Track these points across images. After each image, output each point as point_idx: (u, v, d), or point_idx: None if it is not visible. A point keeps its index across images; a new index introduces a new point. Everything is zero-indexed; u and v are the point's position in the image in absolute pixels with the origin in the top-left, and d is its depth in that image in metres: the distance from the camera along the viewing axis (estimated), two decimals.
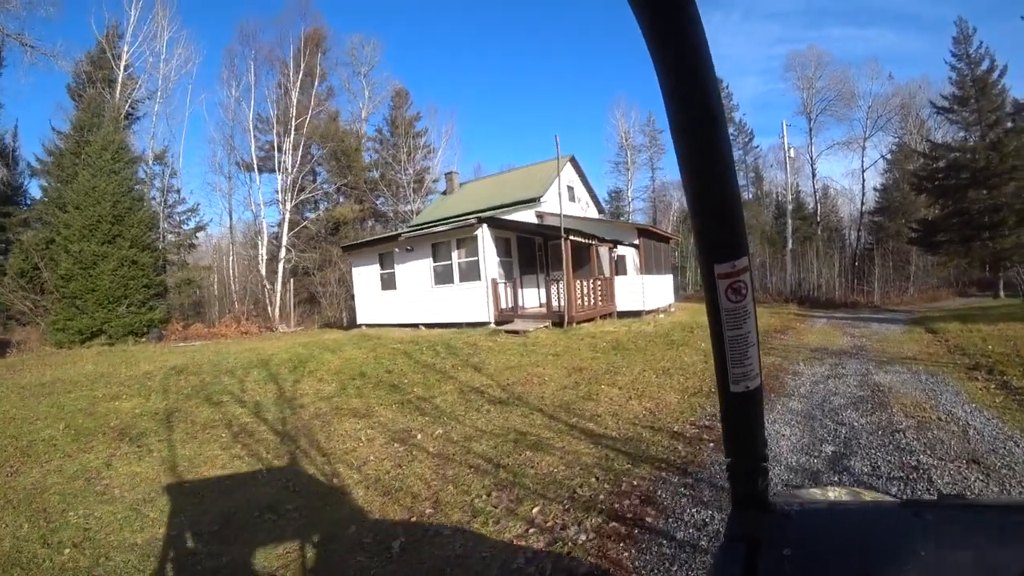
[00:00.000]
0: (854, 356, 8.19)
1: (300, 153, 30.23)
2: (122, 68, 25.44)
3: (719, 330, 0.64)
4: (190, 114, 28.82)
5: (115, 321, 19.09)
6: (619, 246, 15.46)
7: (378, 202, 35.78)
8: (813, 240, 34.56)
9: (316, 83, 39.20)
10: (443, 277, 15.56)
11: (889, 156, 35.56)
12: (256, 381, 8.04)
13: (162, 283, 21.79)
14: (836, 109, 35.57)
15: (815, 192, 37.01)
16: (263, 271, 26.91)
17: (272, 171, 34.43)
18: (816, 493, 1.02)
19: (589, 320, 13.41)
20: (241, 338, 19.16)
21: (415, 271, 16.51)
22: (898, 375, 6.71)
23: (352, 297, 19.85)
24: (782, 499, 0.77)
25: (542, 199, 17.46)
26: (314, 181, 36.95)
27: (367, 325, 17.91)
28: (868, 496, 1.04)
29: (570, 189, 19.78)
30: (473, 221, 13.95)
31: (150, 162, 25.66)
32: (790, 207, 30.84)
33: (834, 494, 0.96)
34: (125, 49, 25.52)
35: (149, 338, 18.80)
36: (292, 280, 25.78)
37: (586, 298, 13.80)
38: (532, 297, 15.43)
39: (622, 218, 38.63)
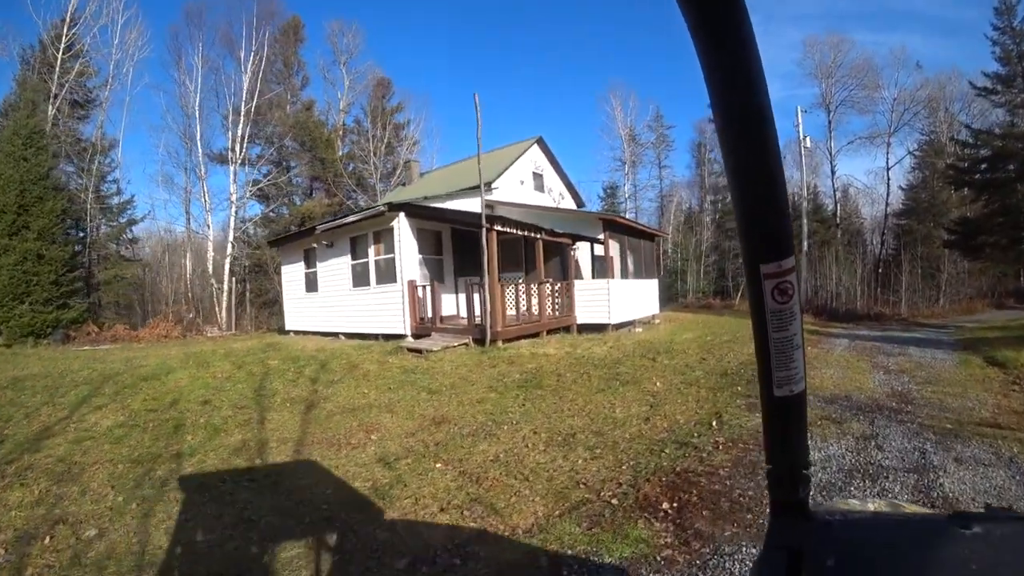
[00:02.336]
0: (895, 416, 4.82)
1: (247, 143, 27.67)
2: (60, 51, 23.01)
3: (764, 332, 0.62)
4: (133, 100, 26.26)
5: (13, 321, 16.73)
6: (578, 242, 12.22)
7: (353, 195, 32.98)
8: (832, 244, 30.87)
9: (293, 73, 37.28)
10: (361, 278, 12.64)
11: (917, 152, 31.81)
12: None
13: (76, 280, 19.27)
14: (858, 101, 31.86)
15: (834, 191, 33.29)
16: (210, 270, 24.30)
17: (243, 165, 32.19)
18: (855, 504, 0.86)
19: (530, 336, 10.23)
20: (157, 342, 16.71)
21: (335, 270, 13.66)
22: (987, 472, 3.43)
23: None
24: (823, 509, 0.73)
25: (493, 185, 14.32)
26: (287, 174, 34.53)
27: (296, 332, 15.38)
28: (910, 509, 0.94)
29: (537, 176, 16.60)
30: (383, 209, 10.90)
31: (98, 151, 23.06)
32: (805, 205, 27.19)
33: (874, 506, 0.84)
34: (64, 31, 23.09)
35: (52, 340, 16.49)
36: (233, 280, 23.08)
37: (527, 308, 10.64)
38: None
39: (631, 220, 35.18)
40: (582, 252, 14.26)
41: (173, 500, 3.76)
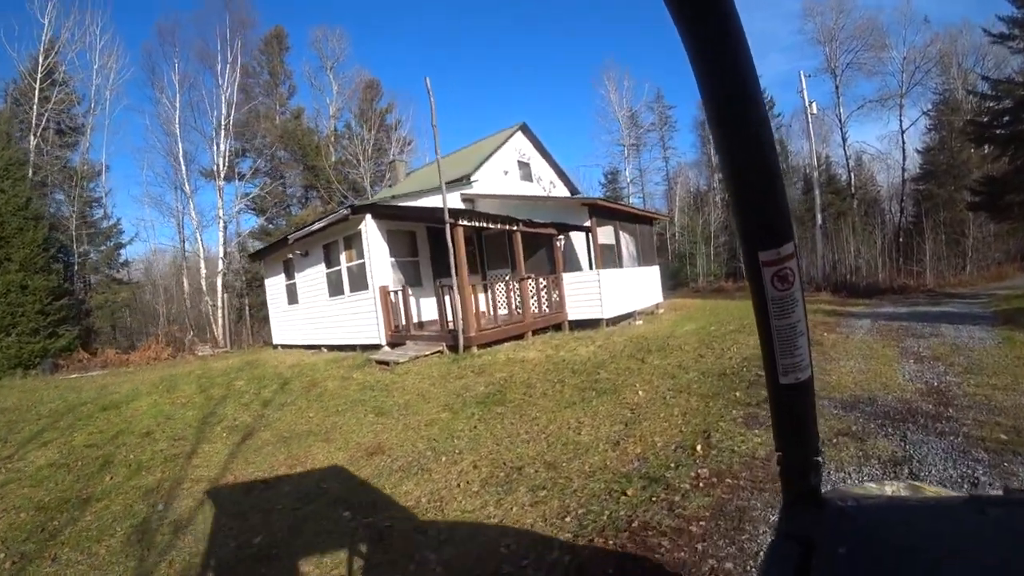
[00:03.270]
0: (933, 425, 3.68)
1: (237, 156, 27.01)
2: (38, 80, 22.69)
3: (766, 320, 0.61)
4: (116, 123, 25.65)
5: (0, 353, 16.35)
6: (569, 232, 11.21)
7: (347, 201, 32.31)
8: (848, 215, 29.24)
9: (280, 83, 36.69)
10: (336, 287, 11.91)
11: (932, 112, 29.99)
12: None
13: (64, 308, 18.90)
14: (865, 63, 30.08)
15: (847, 160, 31.58)
16: (204, 287, 23.85)
17: (230, 179, 31.70)
18: (872, 488, 0.85)
19: (512, 338, 9.29)
20: (146, 365, 16.30)
21: (312, 281, 12.96)
22: None
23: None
24: (836, 495, 0.72)
25: (472, 178, 13.34)
26: (281, 185, 34.16)
27: (283, 346, 14.80)
28: (930, 491, 0.90)
29: (523, 165, 15.57)
30: (346, 212, 10.07)
31: (81, 177, 22.70)
32: (817, 176, 25.66)
33: (891, 489, 0.82)
34: (40, 60, 22.78)
35: (41, 370, 16.14)
36: (225, 296, 22.54)
37: (507, 308, 9.71)
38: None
39: (622, 203, 33.83)
40: (578, 242, 13.27)
41: (47, 558, 3.27)
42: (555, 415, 4.89)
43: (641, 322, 11.95)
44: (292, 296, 14.32)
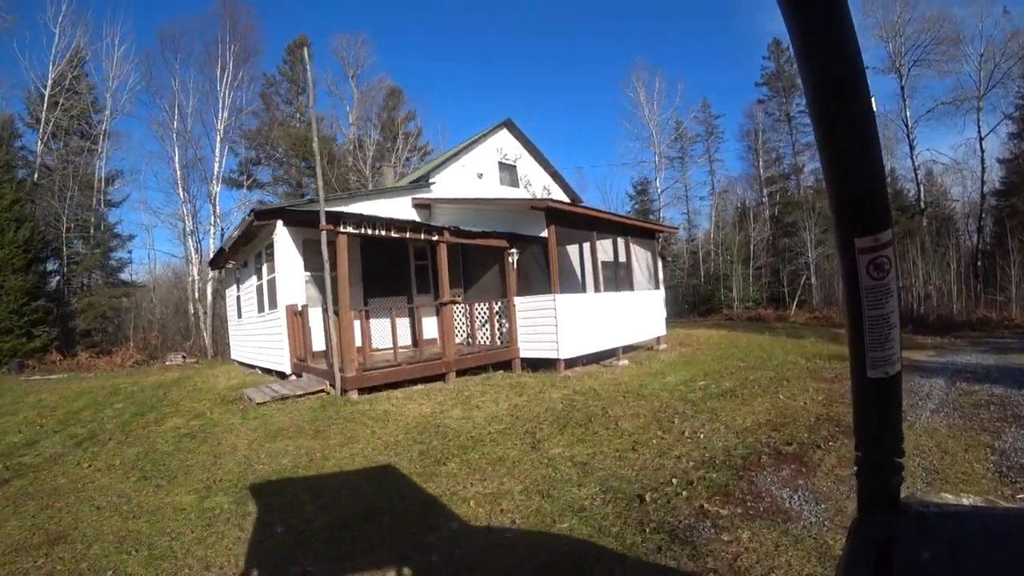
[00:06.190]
0: None
1: (256, 165, 26.15)
2: (48, 86, 22.76)
3: (858, 310, 0.60)
4: (121, 129, 25.34)
5: None
6: (519, 243, 8.77)
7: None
8: (916, 235, 25.07)
9: (301, 91, 36.23)
10: (261, 303, 10.22)
11: (1016, 115, 25.65)
12: None
13: (41, 309, 18.41)
14: (935, 61, 26.06)
15: (915, 171, 27.39)
16: (195, 295, 22.99)
17: (242, 187, 31.21)
18: (949, 498, 0.78)
19: (427, 379, 6.96)
20: (110, 371, 15.85)
21: (249, 294, 11.49)
22: None
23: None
24: (916, 501, 0.68)
25: (430, 180, 11.13)
26: (302, 195, 33.59)
27: (239, 362, 13.22)
28: (1009, 506, 0.81)
29: (506, 167, 13.23)
30: (249, 218, 8.20)
31: (74, 181, 22.41)
32: None
33: (968, 501, 0.77)
34: (50, 68, 22.92)
35: (8, 369, 16.29)
36: (212, 303, 21.51)
37: (411, 340, 7.45)
38: (389, 333, 9.03)
39: (652, 216, 30.85)
40: (576, 257, 10.88)
41: None
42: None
43: (626, 362, 9.33)
44: (238, 309, 12.74)
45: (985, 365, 7.84)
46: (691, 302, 29.32)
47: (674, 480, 3.43)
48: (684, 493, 3.22)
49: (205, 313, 22.49)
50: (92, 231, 22.52)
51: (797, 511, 2.96)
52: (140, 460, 4.90)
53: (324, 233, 6.32)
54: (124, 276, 24.06)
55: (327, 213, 6.61)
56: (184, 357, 19.08)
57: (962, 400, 5.46)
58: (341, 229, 6.62)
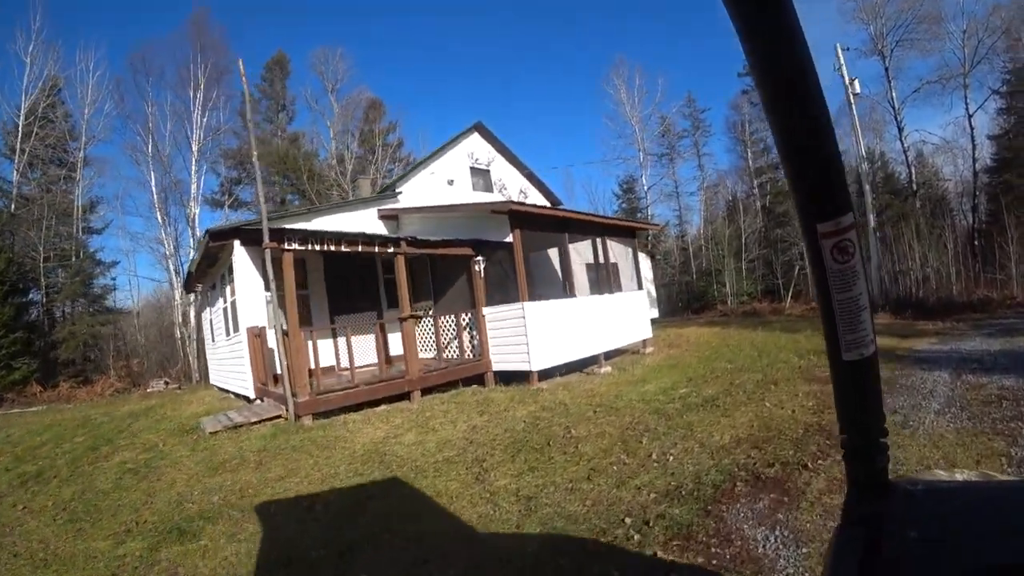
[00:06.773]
0: None
1: (239, 185, 25.68)
2: (22, 116, 22.45)
3: (827, 295, 0.60)
4: (98, 156, 25.04)
5: None
6: (483, 250, 8.32)
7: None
8: (910, 218, 24.56)
9: (281, 108, 35.97)
10: (228, 325, 9.76)
11: (1003, 90, 25.28)
12: None
13: (19, 341, 18.14)
14: (917, 40, 25.64)
15: (905, 153, 26.91)
16: (180, 318, 22.57)
17: (220, 207, 30.80)
18: (942, 475, 0.80)
19: (389, 400, 6.51)
20: (89, 402, 15.67)
21: (219, 316, 11.06)
22: None
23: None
24: (905, 480, 0.68)
25: (396, 189, 10.71)
26: (286, 212, 32.99)
27: (218, 387, 12.78)
28: (1003, 479, 0.85)
29: (478, 172, 12.80)
30: (204, 240, 7.81)
31: (51, 210, 22.03)
32: (864, 168, 21.39)
33: (962, 476, 0.78)
34: (23, 98, 22.62)
35: None
36: (196, 327, 21.10)
37: (377, 358, 7.01)
38: (361, 353, 8.56)
39: (639, 215, 30.42)
40: (557, 262, 10.46)
41: None
42: None
43: (609, 369, 8.87)
44: (211, 333, 12.34)
45: (992, 351, 7.33)
46: (684, 300, 28.84)
47: (627, 520, 2.96)
48: (636, 536, 2.75)
49: (189, 337, 22.11)
50: (73, 259, 22.23)
51: (772, 558, 2.48)
52: (74, 500, 4.65)
53: (268, 251, 5.88)
54: (109, 303, 23.65)
55: (271, 231, 6.18)
56: (167, 383, 18.66)
57: (970, 396, 4.95)
58: (286, 246, 6.20)
